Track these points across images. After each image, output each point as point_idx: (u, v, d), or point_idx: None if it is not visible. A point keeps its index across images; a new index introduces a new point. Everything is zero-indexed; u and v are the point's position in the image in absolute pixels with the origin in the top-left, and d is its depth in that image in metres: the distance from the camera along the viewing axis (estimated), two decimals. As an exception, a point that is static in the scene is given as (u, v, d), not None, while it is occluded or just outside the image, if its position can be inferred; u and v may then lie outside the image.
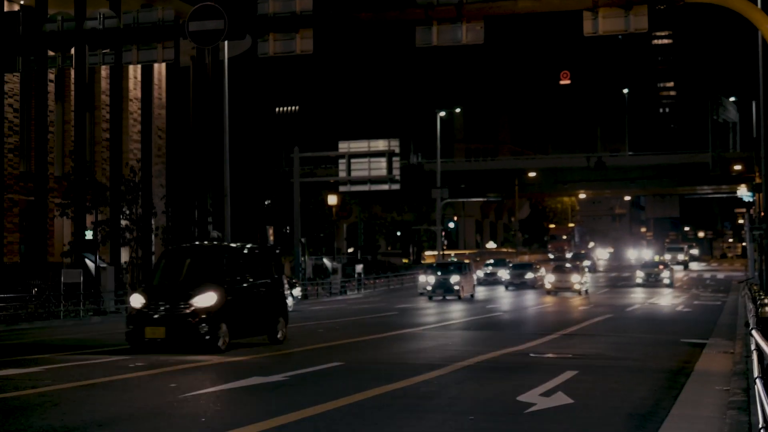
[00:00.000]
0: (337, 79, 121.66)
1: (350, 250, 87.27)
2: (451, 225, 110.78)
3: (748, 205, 65.64)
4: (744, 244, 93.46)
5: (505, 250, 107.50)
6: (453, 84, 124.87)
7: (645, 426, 10.05)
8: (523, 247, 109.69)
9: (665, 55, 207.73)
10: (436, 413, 10.74)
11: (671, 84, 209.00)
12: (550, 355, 17.44)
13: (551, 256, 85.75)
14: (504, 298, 46.87)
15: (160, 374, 14.41)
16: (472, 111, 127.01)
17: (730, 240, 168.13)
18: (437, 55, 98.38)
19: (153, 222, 45.96)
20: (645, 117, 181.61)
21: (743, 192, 71.84)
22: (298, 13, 26.22)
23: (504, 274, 61.31)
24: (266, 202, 64.32)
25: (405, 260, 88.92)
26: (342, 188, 53.79)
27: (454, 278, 45.32)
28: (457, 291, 45.10)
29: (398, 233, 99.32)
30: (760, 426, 7.07)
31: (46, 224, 43.62)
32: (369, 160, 50.60)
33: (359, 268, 59.23)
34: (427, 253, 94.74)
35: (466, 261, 56.44)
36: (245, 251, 20.28)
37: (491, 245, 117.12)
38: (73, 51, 31.59)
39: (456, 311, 35.63)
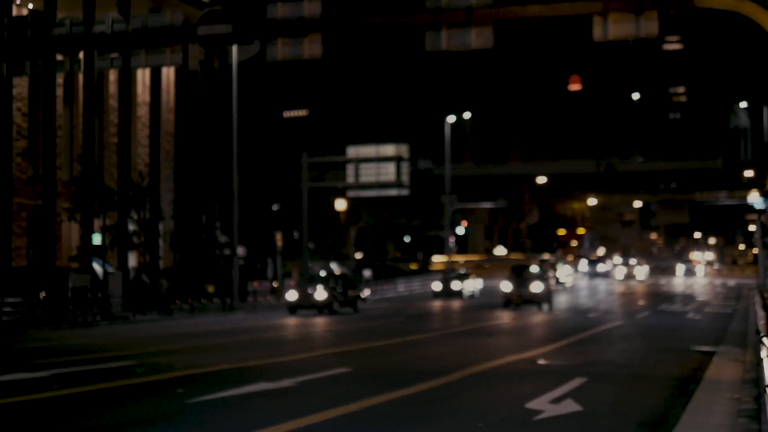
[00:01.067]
0: (346, 83, 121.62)
1: (359, 255, 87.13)
2: (460, 231, 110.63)
3: (760, 211, 65.28)
4: (755, 251, 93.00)
5: (514, 256, 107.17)
6: (462, 89, 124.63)
7: (655, 434, 9.92)
8: (533, 253, 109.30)
9: (676, 60, 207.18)
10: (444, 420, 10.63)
11: (682, 89, 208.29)
12: (559, 363, 17.30)
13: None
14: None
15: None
16: (482, 116, 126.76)
17: (741, 247, 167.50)
18: (446, 59, 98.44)
19: (161, 227, 45.90)
20: (655, 122, 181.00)
21: (754, 198, 71.41)
22: (306, 17, 26.17)
23: (583, 266, 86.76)
24: (274, 208, 64.28)
25: (413, 266, 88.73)
26: (350, 193, 53.62)
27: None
28: None
29: (407, 239, 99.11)
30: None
31: (53, 229, 43.59)
32: (377, 166, 50.41)
33: (368, 273, 59.18)
34: (435, 258, 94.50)
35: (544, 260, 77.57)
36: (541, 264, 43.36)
37: (501, 251, 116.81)
38: (81, 55, 31.63)
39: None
